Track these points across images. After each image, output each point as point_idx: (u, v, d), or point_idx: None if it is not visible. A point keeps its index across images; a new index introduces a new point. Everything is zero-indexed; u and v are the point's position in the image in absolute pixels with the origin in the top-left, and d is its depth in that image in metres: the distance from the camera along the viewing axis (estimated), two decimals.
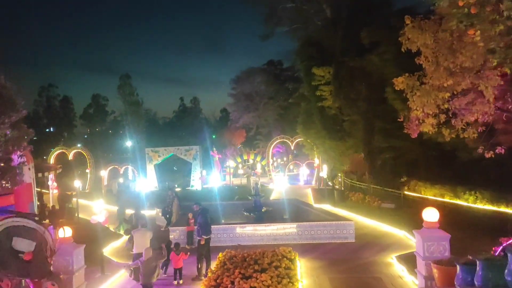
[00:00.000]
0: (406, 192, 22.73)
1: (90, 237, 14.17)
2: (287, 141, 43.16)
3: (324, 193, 29.32)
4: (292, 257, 11.97)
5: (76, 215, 23.07)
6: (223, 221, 19.44)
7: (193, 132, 63.53)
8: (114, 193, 36.71)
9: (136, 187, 37.85)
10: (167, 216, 19.90)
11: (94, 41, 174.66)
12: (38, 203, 20.51)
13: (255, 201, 20.14)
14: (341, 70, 28.04)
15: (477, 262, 5.75)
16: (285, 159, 56.51)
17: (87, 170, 42.94)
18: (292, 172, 48.75)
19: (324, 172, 31.84)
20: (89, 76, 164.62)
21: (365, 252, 14.52)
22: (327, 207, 23.88)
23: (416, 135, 12.45)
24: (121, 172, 42.96)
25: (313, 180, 39.98)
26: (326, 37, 33.29)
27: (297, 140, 41.56)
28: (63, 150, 44.60)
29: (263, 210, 19.71)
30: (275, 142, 43.65)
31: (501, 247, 7.89)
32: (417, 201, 21.15)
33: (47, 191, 30.22)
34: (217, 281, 10.24)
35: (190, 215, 15.90)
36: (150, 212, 22.76)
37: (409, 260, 12.35)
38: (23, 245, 7.08)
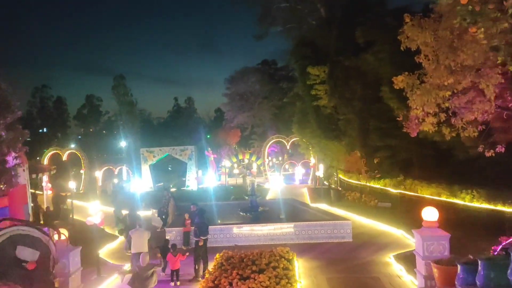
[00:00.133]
0: (402, 191, 22.72)
1: (85, 239, 14.08)
2: (282, 140, 43.10)
3: (320, 192, 29.30)
4: (290, 257, 11.92)
5: (71, 216, 22.87)
6: (219, 221, 19.34)
7: (187, 132, 63.37)
8: (109, 193, 36.51)
9: (131, 188, 37.67)
10: (163, 216, 19.78)
11: (88, 42, 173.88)
12: (32, 205, 20.31)
13: (252, 201, 20.06)
14: (336, 69, 28.05)
15: (479, 262, 5.71)
16: (280, 158, 56.49)
17: (82, 171, 42.67)
18: (288, 171, 48.71)
19: (320, 172, 31.82)
20: (83, 76, 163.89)
21: (363, 251, 14.49)
22: (324, 206, 23.85)
23: (416, 134, 12.41)
24: (116, 172, 42.72)
25: (308, 179, 39.94)
26: (320, 36, 33.32)
27: (292, 140, 41.51)
28: (57, 151, 44.28)
29: (259, 210, 19.64)
30: (271, 142, 43.57)
31: (501, 246, 7.89)
32: (413, 200, 21.13)
33: (41, 192, 29.97)
34: (215, 282, 10.16)
35: (187, 216, 15.80)
36: (145, 213, 22.64)
37: (407, 260, 12.37)
38: (27, 254, 7.01)
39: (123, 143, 58.76)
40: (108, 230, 19.54)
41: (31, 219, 16.95)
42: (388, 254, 13.79)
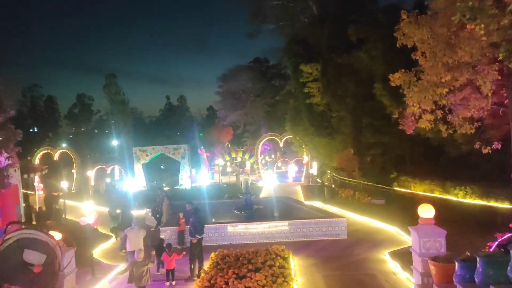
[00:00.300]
0: (396, 188, 22.83)
1: (79, 239, 13.94)
2: (275, 138, 43.11)
3: (313, 190, 29.34)
4: (286, 256, 11.91)
5: (63, 216, 22.68)
6: (213, 220, 19.28)
7: (180, 130, 63.18)
8: (102, 193, 36.30)
9: (124, 187, 37.46)
10: (157, 216, 19.69)
11: (79, 41, 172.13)
12: (24, 205, 20.09)
13: (246, 199, 20.03)
14: (329, 67, 28.07)
15: (478, 259, 5.72)
16: (273, 156, 56.52)
17: (73, 171, 42.32)
18: (281, 169, 48.75)
19: (314, 169, 31.85)
20: (74, 76, 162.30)
21: (358, 248, 14.52)
22: (318, 204, 23.89)
23: (412, 131, 12.43)
24: (108, 172, 42.47)
25: (302, 177, 40.01)
26: (313, 34, 33.30)
27: (286, 138, 41.52)
28: (48, 151, 43.86)
29: (254, 208, 19.62)
30: (264, 140, 43.56)
31: (497, 243, 7.92)
32: (407, 196, 21.27)
33: (32, 193, 29.69)
34: (211, 281, 10.12)
35: (181, 215, 15.72)
36: (139, 212, 22.50)
37: (402, 256, 12.40)
38: (33, 257, 6.95)
39: (115, 142, 58.44)
40: (101, 230, 19.39)
41: (23, 220, 16.76)
42: (383, 251, 13.84)
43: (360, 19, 25.74)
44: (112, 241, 17.76)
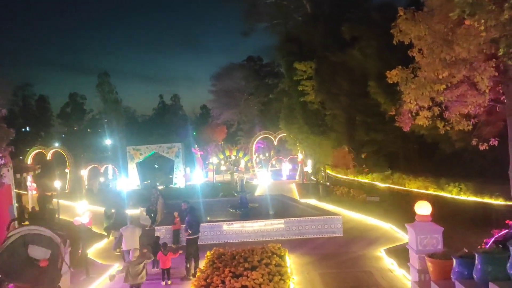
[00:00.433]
0: (390, 185, 22.89)
1: (73, 239, 13.82)
2: (270, 136, 43.13)
3: (308, 188, 29.36)
4: (282, 254, 11.90)
5: (57, 216, 22.49)
6: (208, 218, 19.21)
7: (174, 129, 62.99)
8: (95, 192, 36.10)
9: (117, 186, 37.29)
10: (152, 215, 19.56)
11: (70, 40, 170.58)
12: (17, 205, 19.89)
13: (241, 197, 19.99)
14: (323, 65, 28.08)
15: (476, 256, 5.70)
16: (267, 154, 56.55)
17: (67, 170, 42.06)
18: (275, 167, 48.78)
19: (308, 167, 31.88)
20: (66, 75, 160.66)
21: (354, 246, 14.53)
22: (313, 201, 23.89)
23: (408, 129, 12.44)
24: (102, 171, 42.26)
25: (296, 175, 40.06)
26: (306, 32, 33.28)
27: (280, 136, 41.55)
28: (41, 150, 43.57)
29: (249, 206, 19.59)
30: (258, 138, 43.55)
31: (493, 239, 7.93)
32: (401, 194, 21.33)
33: (25, 192, 29.43)
34: (207, 280, 10.07)
35: (176, 214, 15.66)
36: (133, 211, 22.36)
37: (398, 253, 12.44)
38: (38, 252, 7.07)
39: (108, 142, 58.19)
40: (96, 229, 19.25)
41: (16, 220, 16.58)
42: (379, 248, 13.86)
43: (354, 17, 25.79)
44: (106, 241, 17.64)
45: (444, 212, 15.95)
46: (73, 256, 12.59)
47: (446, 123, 11.08)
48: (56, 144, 50.40)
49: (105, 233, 18.60)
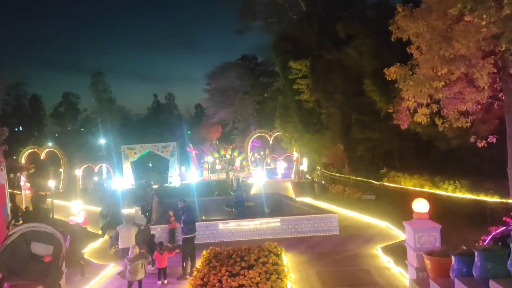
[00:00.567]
0: (385, 183, 22.92)
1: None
2: (265, 135, 43.11)
3: (304, 186, 29.36)
4: (279, 252, 11.85)
5: (51, 216, 22.32)
6: (203, 217, 19.14)
7: (168, 128, 62.81)
8: (89, 192, 35.94)
9: (112, 185, 37.12)
10: (147, 214, 19.48)
11: (64, 39, 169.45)
12: (11, 205, 19.72)
13: (237, 196, 19.92)
14: (318, 63, 28.09)
15: (475, 253, 5.68)
16: (262, 153, 56.53)
17: (61, 169, 41.83)
18: (270, 166, 48.77)
19: (304, 165, 31.87)
20: (59, 74, 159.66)
21: (350, 244, 14.51)
22: (308, 200, 23.86)
23: (406, 126, 12.44)
24: (96, 170, 42.07)
25: (291, 173, 40.07)
26: (301, 30, 33.28)
27: (275, 134, 41.53)
28: (34, 150, 43.29)
29: (246, 205, 19.53)
30: (253, 137, 43.52)
31: (491, 236, 7.93)
32: (397, 191, 21.37)
33: (19, 192, 29.22)
34: (204, 279, 10.00)
35: (171, 213, 15.58)
36: (128, 211, 22.24)
37: (395, 251, 12.43)
38: (41, 249, 7.21)
39: (102, 141, 57.95)
40: (90, 229, 19.11)
41: (10, 220, 16.44)
42: (375, 246, 13.85)
43: (349, 15, 25.81)
44: (101, 241, 17.53)
45: (440, 210, 15.92)
46: (69, 255, 12.47)
47: (445, 120, 11.08)
48: (50, 144, 50.07)
49: (99, 233, 18.48)
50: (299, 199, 24.11)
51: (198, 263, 11.72)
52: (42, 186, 30.70)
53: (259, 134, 43.77)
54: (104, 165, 42.75)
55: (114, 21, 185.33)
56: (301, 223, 16.24)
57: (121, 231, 12.45)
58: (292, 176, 39.14)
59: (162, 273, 11.80)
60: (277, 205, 20.81)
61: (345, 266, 12.15)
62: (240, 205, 19.40)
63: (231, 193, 21.42)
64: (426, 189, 19.54)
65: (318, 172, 32.84)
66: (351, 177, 26.96)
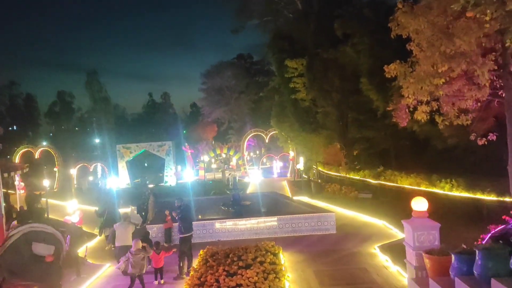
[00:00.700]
0: (382, 182, 22.91)
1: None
2: (261, 134, 43.06)
3: (300, 185, 29.33)
4: (276, 252, 11.76)
5: (45, 215, 22.14)
6: (200, 216, 19.05)
7: (164, 127, 62.63)
8: (84, 191, 35.76)
9: (107, 185, 36.97)
10: (143, 213, 19.35)
11: (58, 38, 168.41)
12: (5, 205, 19.53)
13: (234, 195, 19.83)
14: (315, 62, 28.05)
15: (476, 252, 5.63)
16: (258, 152, 56.50)
17: (55, 169, 41.62)
18: (266, 165, 48.75)
19: (300, 164, 31.83)
20: (54, 74, 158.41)
21: (347, 243, 14.46)
22: (305, 199, 23.84)
23: (405, 124, 12.40)
24: (91, 169, 41.88)
25: (287, 172, 40.05)
26: (297, 29, 33.26)
27: (271, 133, 41.49)
28: (29, 149, 43.05)
29: (242, 203, 19.44)
30: (249, 136, 43.46)
31: (490, 234, 7.89)
32: (393, 190, 21.36)
33: (13, 192, 29.01)
34: (201, 279, 9.90)
35: (167, 212, 15.45)
36: (124, 210, 22.09)
37: (392, 250, 12.39)
38: (42, 249, 7.22)
39: (97, 140, 57.72)
40: (86, 229, 18.97)
41: (4, 220, 16.27)
42: (373, 245, 13.80)
43: (346, 14, 25.76)
44: (97, 240, 17.41)
45: (437, 208, 15.92)
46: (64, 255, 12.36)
47: (444, 118, 11.05)
48: (44, 143, 49.79)
49: (95, 233, 18.35)
50: (295, 198, 24.07)
51: (195, 262, 11.63)
52: (36, 185, 30.50)
53: (255, 133, 43.72)
54: (99, 165, 42.59)
55: (109, 21, 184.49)
56: (298, 222, 16.18)
57: (118, 229, 12.40)
58: (288, 175, 39.13)
59: (158, 273, 11.69)
60: (274, 204, 20.74)
61: (343, 265, 12.10)
62: (236, 204, 19.30)
63: (228, 192, 21.33)
64: (423, 188, 19.54)
65: (315, 171, 32.79)
66: (347, 175, 26.94)
